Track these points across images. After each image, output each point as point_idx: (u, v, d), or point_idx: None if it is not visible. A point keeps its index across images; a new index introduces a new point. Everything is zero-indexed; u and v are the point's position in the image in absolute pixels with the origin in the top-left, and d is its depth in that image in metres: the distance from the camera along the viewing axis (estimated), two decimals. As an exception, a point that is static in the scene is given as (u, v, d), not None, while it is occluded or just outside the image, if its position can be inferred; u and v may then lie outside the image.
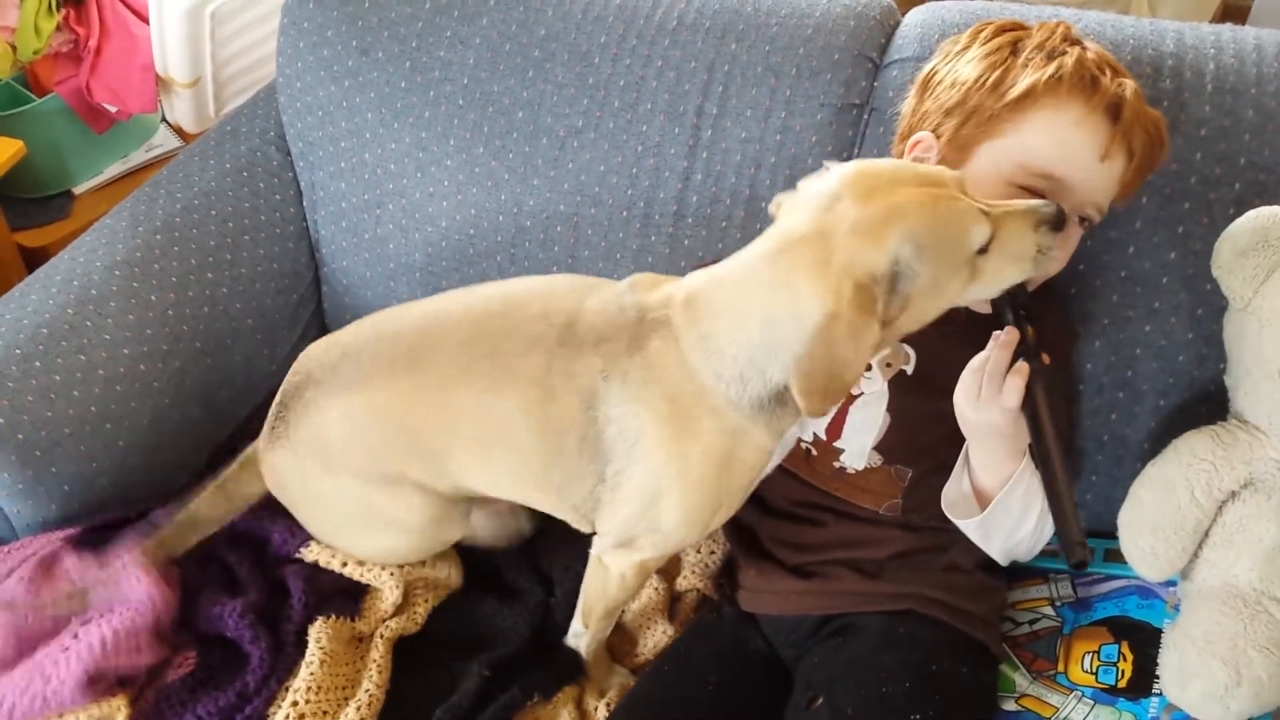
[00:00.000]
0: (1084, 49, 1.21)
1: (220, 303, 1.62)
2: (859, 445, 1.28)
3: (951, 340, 1.22)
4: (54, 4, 2.10)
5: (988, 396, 1.12)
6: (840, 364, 1.02)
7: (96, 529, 1.37)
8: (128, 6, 2.18)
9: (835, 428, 1.29)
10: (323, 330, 1.78)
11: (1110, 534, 1.26)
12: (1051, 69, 1.18)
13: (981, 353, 1.14)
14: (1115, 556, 1.27)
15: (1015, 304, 1.15)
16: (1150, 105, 1.29)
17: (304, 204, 1.75)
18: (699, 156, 1.49)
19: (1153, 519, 1.19)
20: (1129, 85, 1.19)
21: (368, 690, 1.26)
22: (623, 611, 1.40)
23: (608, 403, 1.13)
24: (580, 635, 1.33)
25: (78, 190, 2.27)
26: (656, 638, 1.38)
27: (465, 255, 1.62)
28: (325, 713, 1.24)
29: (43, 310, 1.46)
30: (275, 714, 1.22)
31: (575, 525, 1.26)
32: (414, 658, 1.36)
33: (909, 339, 1.24)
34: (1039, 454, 1.10)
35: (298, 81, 1.69)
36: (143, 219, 1.61)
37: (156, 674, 1.25)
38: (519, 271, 1.59)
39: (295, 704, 1.23)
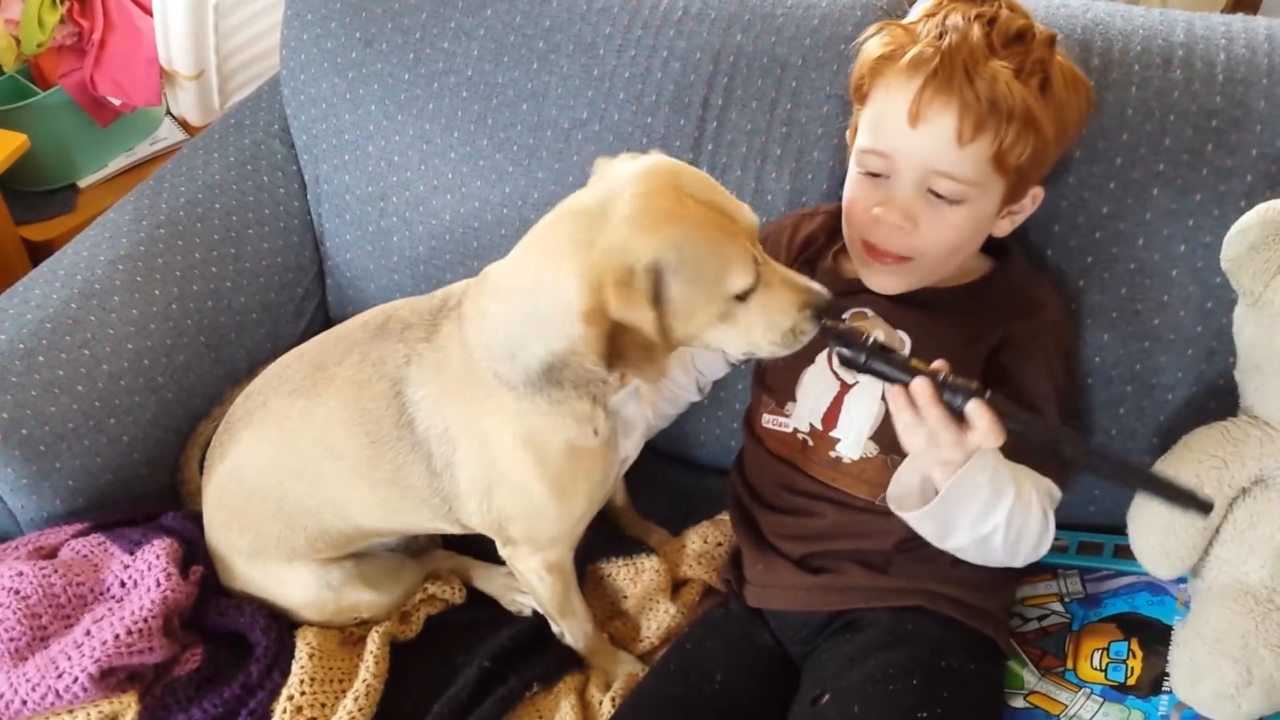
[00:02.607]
0: (934, 14, 1.18)
1: (224, 296, 1.61)
2: (855, 435, 1.26)
3: (946, 325, 1.22)
4: (57, -3, 2.09)
5: (953, 444, 1.03)
6: (628, 335, 1.04)
7: (109, 524, 1.38)
8: (131, -1, 2.17)
9: (831, 417, 1.28)
10: (326, 323, 1.78)
11: (1120, 530, 1.25)
12: (879, 47, 1.18)
13: (901, 415, 1.04)
14: (1125, 553, 1.26)
15: (888, 357, 1.06)
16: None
17: (308, 197, 1.75)
18: (704, 148, 1.48)
19: (1163, 516, 1.18)
20: (951, 39, 1.12)
21: (365, 681, 1.27)
22: (624, 597, 1.41)
23: (411, 385, 1.18)
24: (562, 635, 1.35)
25: (82, 184, 2.27)
26: (659, 618, 1.38)
27: (469, 248, 1.61)
28: (324, 704, 1.25)
29: (46, 305, 1.46)
30: (275, 708, 1.23)
31: (449, 528, 1.29)
32: (415, 650, 1.36)
33: (901, 324, 1.25)
34: (1055, 453, 1.04)
35: (301, 74, 1.68)
36: (146, 213, 1.61)
37: (165, 670, 1.26)
38: (524, 265, 1.59)
39: (291, 697, 1.24)
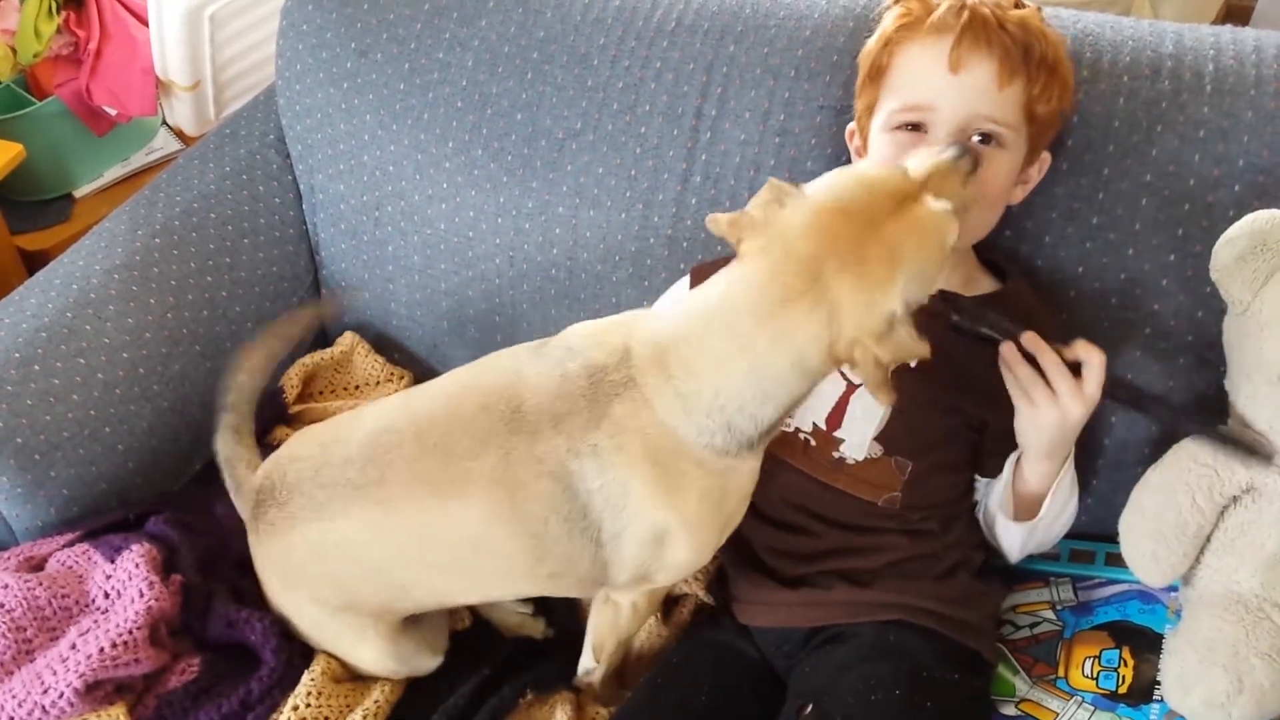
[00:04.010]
0: None
1: (220, 306, 1.62)
2: (859, 435, 1.26)
3: (949, 329, 1.22)
4: (54, 7, 2.10)
5: (1072, 393, 1.13)
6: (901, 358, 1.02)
7: (97, 532, 1.37)
8: (128, 9, 2.18)
9: (835, 417, 1.27)
10: (322, 333, 1.78)
11: (1111, 538, 1.25)
12: (895, 20, 1.23)
13: (1019, 370, 1.14)
14: (1116, 561, 1.27)
15: (986, 317, 1.15)
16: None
17: (303, 207, 1.75)
18: (697, 159, 1.48)
19: (1154, 524, 1.19)
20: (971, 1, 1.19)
21: (376, 701, 1.26)
22: None
23: (585, 479, 1.09)
24: (591, 671, 1.30)
25: (78, 193, 2.27)
26: (646, 639, 1.37)
27: (464, 257, 1.62)
28: (327, 719, 1.24)
29: (42, 314, 1.47)
30: (278, 718, 1.22)
31: (582, 595, 1.25)
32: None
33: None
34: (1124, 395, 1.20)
35: (297, 84, 1.69)
36: (142, 222, 1.61)
37: (157, 680, 1.25)
38: (517, 274, 1.59)
39: (296, 708, 1.22)
